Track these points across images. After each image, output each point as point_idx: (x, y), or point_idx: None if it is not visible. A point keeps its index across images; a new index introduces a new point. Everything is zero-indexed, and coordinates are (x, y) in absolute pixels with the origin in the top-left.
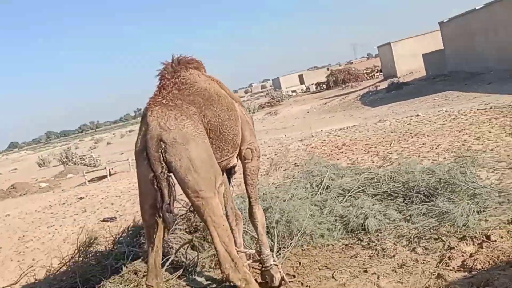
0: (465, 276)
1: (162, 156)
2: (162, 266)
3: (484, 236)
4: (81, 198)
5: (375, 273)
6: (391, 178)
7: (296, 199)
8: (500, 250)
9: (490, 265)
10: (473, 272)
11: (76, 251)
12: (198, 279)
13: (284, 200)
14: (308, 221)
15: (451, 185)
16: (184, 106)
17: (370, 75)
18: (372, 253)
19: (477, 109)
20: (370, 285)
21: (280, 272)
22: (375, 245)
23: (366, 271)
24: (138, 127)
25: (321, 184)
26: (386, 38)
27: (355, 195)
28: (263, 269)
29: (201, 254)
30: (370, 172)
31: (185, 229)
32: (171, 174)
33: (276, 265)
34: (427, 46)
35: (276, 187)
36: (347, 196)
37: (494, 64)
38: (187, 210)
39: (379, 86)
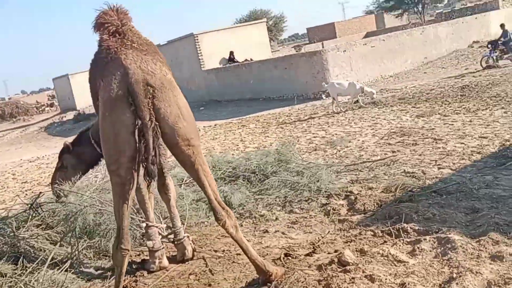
0: (365, 216)
1: (150, 102)
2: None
3: (345, 192)
4: None
5: (278, 231)
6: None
7: None
8: (373, 196)
9: (375, 207)
10: (368, 213)
11: None
12: (86, 270)
13: None
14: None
15: (286, 163)
16: (151, 52)
17: (40, 109)
18: (255, 220)
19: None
20: (283, 239)
21: (191, 243)
22: (250, 215)
23: (267, 231)
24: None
25: None
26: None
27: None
28: (175, 242)
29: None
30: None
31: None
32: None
33: (188, 236)
34: None
35: None
36: None
37: None
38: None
39: (65, 117)
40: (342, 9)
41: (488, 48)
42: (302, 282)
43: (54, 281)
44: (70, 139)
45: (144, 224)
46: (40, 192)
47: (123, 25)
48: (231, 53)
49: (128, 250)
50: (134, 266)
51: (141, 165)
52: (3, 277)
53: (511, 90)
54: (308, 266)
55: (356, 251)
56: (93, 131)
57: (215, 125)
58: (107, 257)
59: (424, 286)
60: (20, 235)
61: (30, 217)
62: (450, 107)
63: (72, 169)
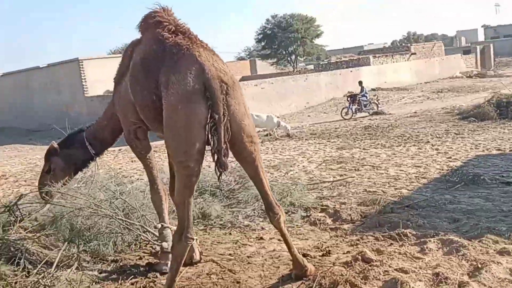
0: (355, 225)
1: (224, 98)
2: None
3: (321, 206)
4: None
5: (273, 238)
6: None
7: None
8: (353, 209)
9: (360, 218)
10: (357, 222)
11: None
12: (90, 272)
13: None
14: None
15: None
16: (216, 53)
17: None
18: (242, 230)
19: None
20: (284, 245)
21: (198, 247)
22: (234, 225)
23: (262, 238)
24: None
25: None
26: None
27: None
28: None
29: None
30: None
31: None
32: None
33: (196, 239)
34: None
35: None
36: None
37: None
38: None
39: None
40: None
41: (348, 101)
42: (343, 275)
43: (73, 280)
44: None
45: (159, 225)
46: (21, 194)
47: (179, 25)
48: None
49: (193, 239)
50: (141, 269)
51: (214, 156)
52: (4, 279)
53: (412, 131)
54: (333, 264)
55: (373, 251)
56: (94, 132)
57: (119, 149)
58: (104, 261)
59: (454, 274)
60: (11, 237)
61: (18, 219)
62: (364, 142)
63: (61, 172)
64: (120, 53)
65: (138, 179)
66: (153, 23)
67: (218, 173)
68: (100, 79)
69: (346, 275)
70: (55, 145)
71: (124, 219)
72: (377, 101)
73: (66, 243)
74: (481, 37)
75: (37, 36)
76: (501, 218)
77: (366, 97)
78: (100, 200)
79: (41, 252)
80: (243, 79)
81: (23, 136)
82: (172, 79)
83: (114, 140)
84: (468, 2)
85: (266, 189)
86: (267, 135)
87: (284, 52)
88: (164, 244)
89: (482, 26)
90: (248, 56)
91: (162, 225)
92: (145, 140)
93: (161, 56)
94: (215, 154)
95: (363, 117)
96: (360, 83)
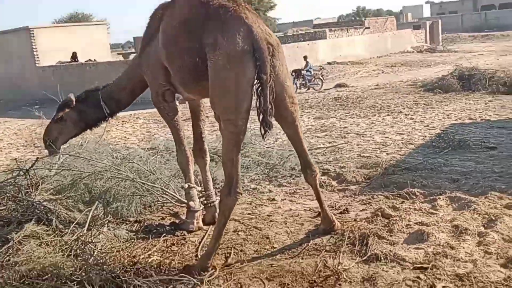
0: (361, 186)
1: (271, 60)
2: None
3: (322, 170)
4: None
5: (285, 199)
6: None
7: None
8: (356, 172)
9: (364, 180)
10: (362, 184)
11: None
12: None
13: None
14: None
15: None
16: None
17: None
18: (250, 193)
19: None
20: (298, 205)
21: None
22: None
23: (274, 199)
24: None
25: None
26: None
27: None
28: (208, 204)
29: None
30: None
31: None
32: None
33: (217, 199)
34: None
35: None
36: None
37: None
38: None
39: None
40: None
41: (292, 75)
42: (370, 229)
43: (110, 237)
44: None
45: (186, 185)
46: (37, 158)
47: None
48: (74, 54)
49: (241, 194)
50: (167, 228)
51: (259, 116)
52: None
53: (382, 102)
54: (354, 220)
55: (389, 207)
56: (111, 92)
57: None
58: (126, 222)
59: (472, 226)
60: (35, 199)
61: (40, 181)
62: (339, 113)
63: (71, 125)
64: (66, 22)
65: (127, 146)
66: None
67: (263, 132)
68: (51, 48)
69: (373, 228)
70: (72, 97)
71: (143, 181)
72: (321, 76)
73: (96, 203)
74: (426, 13)
75: None
76: (496, 178)
77: (310, 72)
78: (118, 164)
79: (66, 213)
80: None
81: None
82: (220, 40)
83: (129, 102)
84: None
85: (304, 147)
86: None
87: None
88: (191, 204)
89: (426, 3)
90: None
91: (188, 185)
92: (173, 102)
93: (204, 18)
94: (261, 114)
95: (312, 92)
96: (305, 57)
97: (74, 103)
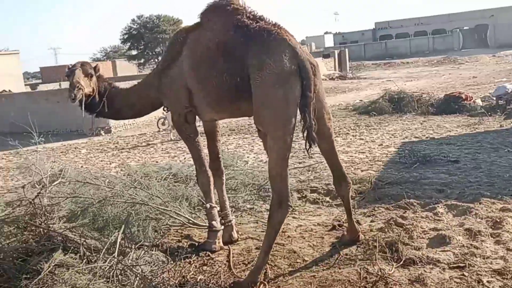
0: (356, 201)
1: (313, 79)
2: None
3: (309, 187)
4: None
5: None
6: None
7: None
8: None
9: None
10: (356, 198)
11: None
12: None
13: None
14: None
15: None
16: None
17: None
18: (249, 212)
19: None
20: (305, 221)
21: (235, 226)
22: (238, 208)
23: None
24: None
25: None
26: None
27: None
28: (226, 223)
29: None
30: None
31: None
32: None
33: (234, 218)
34: None
35: None
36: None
37: None
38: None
39: None
40: (54, 54)
41: None
42: (391, 238)
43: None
44: None
45: (208, 205)
46: (43, 185)
47: (253, 12)
48: None
49: (292, 207)
50: (188, 250)
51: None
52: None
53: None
54: (370, 230)
55: (398, 217)
56: (114, 96)
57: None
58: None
59: (481, 228)
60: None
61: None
62: None
63: (89, 84)
64: None
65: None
66: (234, 10)
67: (308, 146)
68: None
69: (394, 236)
70: (100, 70)
71: (156, 206)
72: None
73: (117, 231)
74: (328, 42)
75: None
76: (477, 187)
77: None
78: (133, 189)
79: (84, 241)
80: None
81: None
82: (267, 61)
83: (126, 117)
84: (311, 10)
85: (339, 161)
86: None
87: (151, 53)
88: (214, 223)
89: (325, 33)
90: (105, 57)
91: (210, 205)
92: (194, 124)
93: (245, 40)
94: (306, 130)
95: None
96: None
97: (96, 74)
